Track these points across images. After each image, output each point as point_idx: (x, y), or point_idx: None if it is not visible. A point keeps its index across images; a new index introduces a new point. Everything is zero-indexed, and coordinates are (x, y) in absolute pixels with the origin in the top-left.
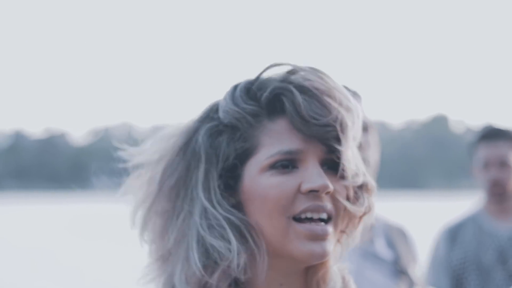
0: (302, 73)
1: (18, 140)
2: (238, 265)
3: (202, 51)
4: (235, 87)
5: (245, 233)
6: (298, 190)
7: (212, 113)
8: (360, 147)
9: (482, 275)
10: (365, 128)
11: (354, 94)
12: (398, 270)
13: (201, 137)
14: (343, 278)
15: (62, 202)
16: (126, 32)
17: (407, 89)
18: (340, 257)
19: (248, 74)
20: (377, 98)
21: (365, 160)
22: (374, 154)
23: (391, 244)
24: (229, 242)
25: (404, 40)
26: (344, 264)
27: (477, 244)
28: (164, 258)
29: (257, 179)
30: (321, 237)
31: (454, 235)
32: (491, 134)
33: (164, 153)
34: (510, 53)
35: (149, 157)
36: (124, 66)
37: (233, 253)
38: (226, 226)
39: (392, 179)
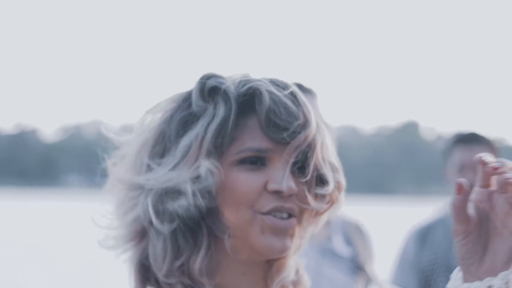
0: (271, 81)
1: None
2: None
3: (174, 49)
4: (204, 82)
5: (202, 234)
6: (264, 188)
7: (184, 103)
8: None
9: None
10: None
11: (309, 91)
12: (356, 266)
13: (174, 126)
14: (297, 271)
15: (31, 199)
16: (97, 30)
17: (379, 95)
18: (298, 250)
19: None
20: (349, 103)
21: None
22: None
23: (348, 241)
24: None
25: (376, 46)
26: (301, 259)
27: (447, 246)
28: (136, 238)
29: (226, 172)
30: (283, 232)
31: (423, 236)
32: (468, 138)
33: (142, 143)
34: (481, 61)
35: (129, 148)
36: (96, 63)
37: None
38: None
39: (363, 184)
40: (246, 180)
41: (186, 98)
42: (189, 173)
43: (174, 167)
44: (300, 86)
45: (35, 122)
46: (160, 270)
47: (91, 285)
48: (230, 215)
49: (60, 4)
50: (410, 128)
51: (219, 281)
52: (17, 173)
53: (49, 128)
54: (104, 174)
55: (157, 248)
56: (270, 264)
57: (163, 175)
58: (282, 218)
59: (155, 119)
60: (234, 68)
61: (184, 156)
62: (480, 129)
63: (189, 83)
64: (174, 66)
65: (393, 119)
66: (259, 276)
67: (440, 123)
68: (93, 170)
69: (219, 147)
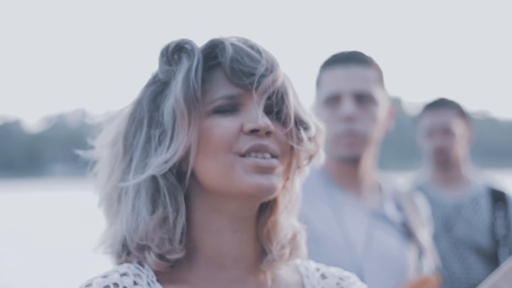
0: (231, 37)
1: None
2: (149, 229)
3: (158, 35)
4: (166, 47)
5: (165, 195)
6: (241, 130)
7: (153, 77)
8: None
9: None
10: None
11: (370, 60)
12: (407, 232)
13: (144, 101)
14: (294, 236)
15: (17, 190)
16: (77, 18)
17: None
18: (288, 205)
19: None
20: None
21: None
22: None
23: (399, 208)
24: (145, 206)
25: (362, 25)
26: (300, 225)
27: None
28: (108, 218)
29: (201, 124)
30: (267, 170)
31: None
32: (435, 103)
33: (117, 130)
34: (461, 33)
35: (106, 138)
36: (77, 52)
37: (146, 218)
38: (143, 191)
39: None
40: (221, 125)
41: (154, 73)
42: (186, 140)
43: (170, 143)
44: (359, 54)
45: (18, 113)
46: (130, 243)
47: (77, 272)
48: (211, 164)
49: None
50: (394, 104)
51: (211, 242)
52: (2, 164)
53: (32, 119)
54: (89, 163)
55: (125, 217)
56: (262, 222)
57: (161, 156)
58: (264, 158)
59: (124, 113)
60: None
61: (174, 124)
62: (462, 101)
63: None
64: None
65: None
66: (251, 234)
67: (423, 97)
68: (77, 158)
69: (192, 100)
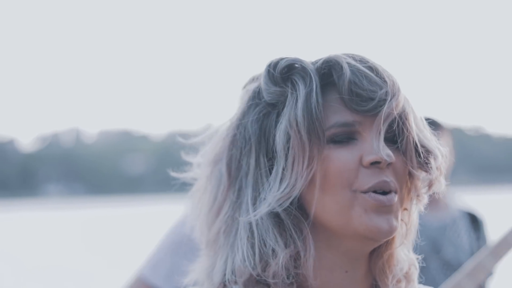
0: (346, 55)
1: None
2: (283, 264)
3: (148, 53)
4: (274, 66)
5: (291, 229)
6: (360, 163)
7: (255, 98)
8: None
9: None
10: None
11: (439, 126)
12: None
13: (249, 123)
14: (409, 267)
15: (11, 210)
16: (70, 37)
17: None
18: (404, 240)
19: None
20: None
21: None
22: None
23: None
24: (275, 240)
25: (354, 42)
26: (413, 254)
27: (440, 230)
28: (209, 249)
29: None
30: (388, 209)
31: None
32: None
33: (219, 150)
34: (454, 48)
35: (206, 157)
36: (70, 71)
37: (279, 252)
38: (269, 224)
39: None
40: (339, 157)
41: (255, 91)
42: (305, 174)
43: (284, 174)
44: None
45: (11, 132)
46: (241, 276)
47: None
48: (327, 200)
49: (32, 13)
50: None
51: (321, 278)
52: None
53: (26, 138)
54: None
55: (241, 249)
56: (376, 257)
57: (278, 192)
58: (384, 194)
59: (224, 130)
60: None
61: (287, 155)
62: (456, 117)
63: (172, 89)
64: (149, 70)
65: None
66: (363, 272)
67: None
68: (72, 178)
69: (315, 131)
